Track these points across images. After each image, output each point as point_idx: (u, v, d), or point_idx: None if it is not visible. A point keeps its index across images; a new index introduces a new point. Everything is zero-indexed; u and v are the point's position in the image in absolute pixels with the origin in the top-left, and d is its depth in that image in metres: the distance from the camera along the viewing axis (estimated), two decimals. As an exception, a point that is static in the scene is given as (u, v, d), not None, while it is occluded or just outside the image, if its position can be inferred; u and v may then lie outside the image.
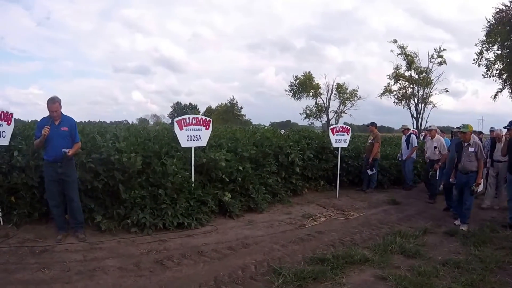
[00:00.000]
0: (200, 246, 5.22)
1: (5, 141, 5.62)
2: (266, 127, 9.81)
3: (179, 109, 73.74)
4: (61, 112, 5.22)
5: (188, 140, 6.49)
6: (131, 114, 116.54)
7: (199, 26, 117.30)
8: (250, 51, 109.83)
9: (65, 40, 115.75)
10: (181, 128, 6.44)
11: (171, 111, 75.24)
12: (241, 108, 67.23)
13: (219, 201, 6.45)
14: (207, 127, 6.68)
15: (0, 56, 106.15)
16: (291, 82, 48.75)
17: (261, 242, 5.47)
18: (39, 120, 5.42)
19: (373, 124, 9.97)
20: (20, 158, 5.51)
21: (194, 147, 6.56)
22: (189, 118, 6.58)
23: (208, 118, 6.73)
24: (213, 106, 68.00)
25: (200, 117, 6.68)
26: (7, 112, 5.68)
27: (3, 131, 5.61)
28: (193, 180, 6.35)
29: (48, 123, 5.08)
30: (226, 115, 57.66)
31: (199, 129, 6.59)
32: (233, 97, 69.45)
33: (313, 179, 8.90)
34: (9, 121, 5.65)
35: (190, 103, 76.15)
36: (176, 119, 6.57)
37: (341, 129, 8.65)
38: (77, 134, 5.37)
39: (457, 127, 7.09)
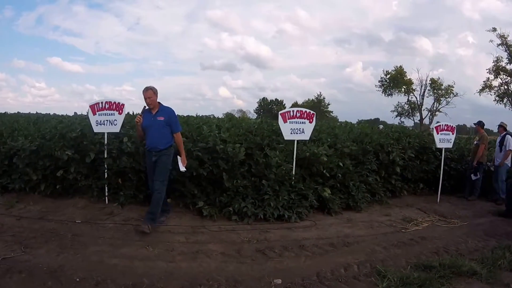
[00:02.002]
0: (301, 240, 5.18)
1: (116, 129, 6.05)
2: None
3: (265, 105, 74.22)
4: (159, 103, 5.30)
5: (291, 133, 6.42)
6: (218, 109, 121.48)
7: (283, 23, 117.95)
8: (336, 46, 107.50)
9: (155, 42, 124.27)
10: (285, 121, 6.39)
11: (257, 107, 76.10)
12: (328, 104, 66.23)
13: (318, 196, 6.30)
14: (311, 120, 6.54)
15: (97, 58, 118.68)
16: (381, 78, 45.76)
17: (362, 242, 5.30)
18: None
19: (480, 123, 8.94)
20: (130, 144, 5.88)
21: (297, 140, 6.47)
22: (293, 111, 6.51)
23: (312, 112, 6.59)
24: (299, 102, 67.51)
25: (304, 110, 6.56)
26: (119, 103, 6.07)
27: (115, 120, 6.02)
28: (294, 173, 6.26)
29: (147, 113, 5.26)
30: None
31: (302, 122, 6.48)
32: (320, 93, 68.45)
33: (412, 181, 8.33)
34: (120, 111, 6.05)
35: (276, 99, 75.86)
36: (280, 111, 6.52)
37: (446, 128, 7.96)
38: (177, 124, 5.39)
39: None
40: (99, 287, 3.71)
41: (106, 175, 6.02)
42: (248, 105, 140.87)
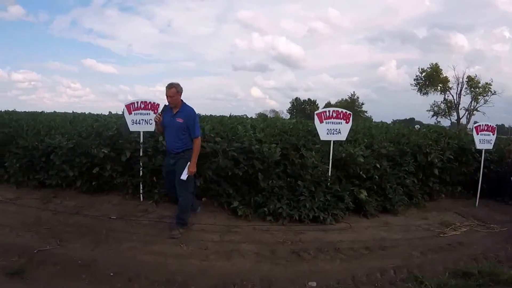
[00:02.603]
0: (336, 242, 5.07)
1: (151, 128, 6.05)
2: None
3: (298, 105, 74.01)
4: (182, 101, 4.93)
5: (327, 134, 6.28)
6: (251, 109, 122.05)
7: (313, 22, 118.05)
8: (368, 44, 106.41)
9: (186, 43, 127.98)
10: (321, 121, 6.26)
11: (290, 107, 76.09)
12: (362, 104, 65.53)
13: (354, 198, 6.14)
14: (347, 120, 6.38)
15: (130, 60, 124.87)
16: (416, 76, 44.07)
17: (398, 246, 5.13)
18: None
19: None
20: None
21: (333, 141, 6.33)
22: (329, 111, 6.37)
23: (348, 112, 6.43)
24: (333, 102, 67.05)
25: (340, 110, 6.41)
26: (154, 103, 6.11)
27: (150, 119, 6.02)
28: (329, 174, 6.13)
29: (167, 111, 4.97)
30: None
31: (339, 123, 6.33)
32: (354, 92, 67.62)
33: (450, 184, 8.02)
34: (155, 110, 6.05)
35: (309, 99, 75.87)
36: (316, 112, 6.40)
37: (486, 128, 7.65)
38: (196, 128, 4.89)
39: None
40: (132, 282, 3.74)
41: (141, 173, 6.08)
42: (280, 105, 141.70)
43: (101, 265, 4.05)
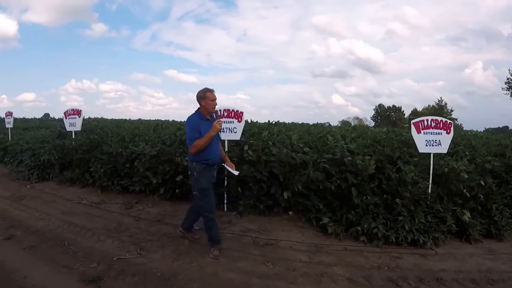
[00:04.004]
0: (437, 271, 4.48)
1: (236, 136, 6.01)
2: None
3: (382, 112, 72.24)
4: None
5: (426, 145, 5.72)
6: (333, 117, 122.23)
7: (391, 23, 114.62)
8: (451, 45, 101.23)
9: (263, 52, 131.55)
10: (418, 132, 5.73)
11: (373, 114, 74.54)
12: (451, 111, 62.55)
13: (456, 219, 5.46)
14: (448, 131, 5.77)
15: (210, 69, 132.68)
16: (507, 78, 41.64)
17: (508, 279, 4.42)
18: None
19: None
20: (251, 153, 5.72)
21: (433, 154, 5.76)
22: (427, 120, 5.81)
23: (449, 121, 5.84)
24: (419, 109, 65.16)
25: (440, 119, 5.83)
26: (237, 111, 6.04)
27: (234, 128, 6.00)
28: (430, 191, 5.54)
29: (203, 120, 4.39)
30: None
31: (439, 133, 5.74)
32: (441, 98, 65.06)
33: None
34: (239, 119, 6.01)
35: (393, 105, 73.54)
36: (413, 121, 5.89)
37: None
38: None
39: None
40: (213, 302, 3.54)
41: (226, 183, 5.95)
42: (363, 112, 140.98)
43: (181, 279, 3.92)
